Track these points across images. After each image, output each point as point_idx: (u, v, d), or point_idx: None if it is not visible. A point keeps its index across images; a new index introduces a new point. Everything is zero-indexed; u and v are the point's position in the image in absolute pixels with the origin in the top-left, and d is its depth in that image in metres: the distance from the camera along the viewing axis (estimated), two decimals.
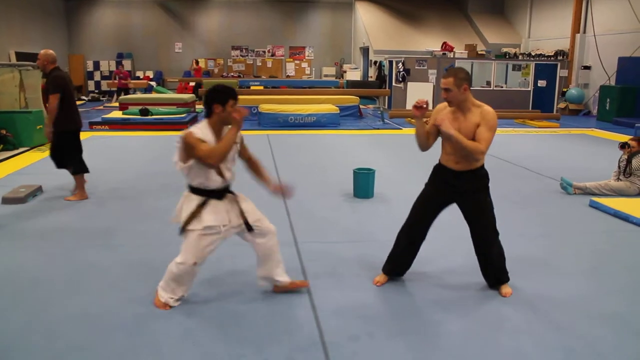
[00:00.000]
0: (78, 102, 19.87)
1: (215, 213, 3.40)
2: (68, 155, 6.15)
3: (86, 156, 6.37)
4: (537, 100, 16.52)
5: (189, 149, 3.27)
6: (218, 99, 3.32)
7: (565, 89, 17.01)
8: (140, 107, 12.72)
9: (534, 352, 3.04)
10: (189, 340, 3.13)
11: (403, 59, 16.74)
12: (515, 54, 19.89)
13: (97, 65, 23.05)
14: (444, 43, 19.49)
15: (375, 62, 20.82)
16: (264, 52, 24.54)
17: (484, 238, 3.75)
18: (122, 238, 4.90)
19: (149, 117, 12.50)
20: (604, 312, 3.55)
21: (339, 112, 13.78)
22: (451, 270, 4.23)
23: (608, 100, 14.94)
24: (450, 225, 4.66)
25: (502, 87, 17.09)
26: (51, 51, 6.08)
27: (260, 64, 24.51)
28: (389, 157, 9.17)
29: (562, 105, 16.88)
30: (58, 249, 4.59)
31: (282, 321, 3.37)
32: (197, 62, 21.96)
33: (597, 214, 5.81)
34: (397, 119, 14.58)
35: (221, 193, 3.47)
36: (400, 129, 13.23)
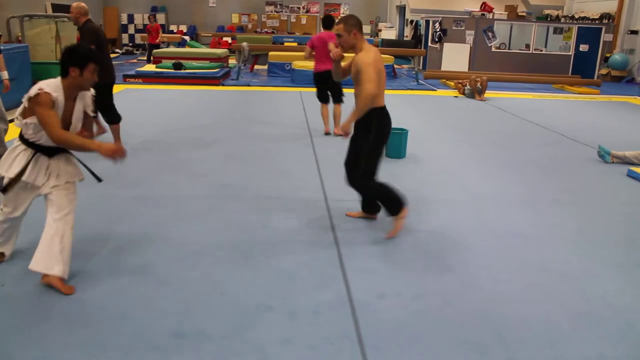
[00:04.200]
0: (112, 55, 19.99)
1: (36, 170, 3.13)
2: (103, 106, 6.22)
3: (120, 109, 6.43)
4: (577, 65, 15.97)
5: (40, 113, 2.94)
6: (76, 62, 3.01)
7: (608, 55, 16.39)
8: (173, 61, 12.75)
9: (562, 318, 3.02)
10: (217, 290, 3.20)
11: (440, 18, 16.31)
12: (557, 16, 19.17)
13: (131, 19, 23.09)
14: (484, 3, 18.87)
15: (412, 22, 20.34)
16: (299, 8, 24.19)
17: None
18: (153, 189, 4.98)
19: (182, 71, 12.53)
20: (635, 282, 3.50)
21: None
22: (479, 230, 4.20)
23: None
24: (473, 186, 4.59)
25: (541, 50, 16.56)
26: (83, 3, 6.06)
27: (294, 20, 24.21)
28: (421, 118, 9.04)
29: (604, 71, 16.31)
30: (91, 197, 4.70)
31: (310, 277, 3.40)
32: (154, 19, 17.29)
33: (634, 184, 5.66)
34: (431, 80, 14.31)
35: (52, 151, 3.16)
36: (435, 90, 13.00)
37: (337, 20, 4.06)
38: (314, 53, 7.13)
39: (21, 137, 3.14)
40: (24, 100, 3.01)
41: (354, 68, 3.86)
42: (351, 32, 3.80)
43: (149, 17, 17.77)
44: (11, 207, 3.27)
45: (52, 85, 3.01)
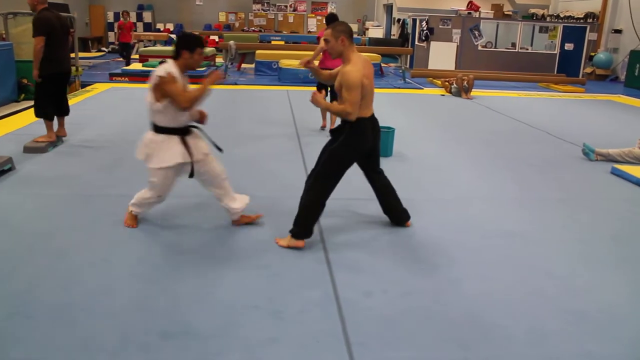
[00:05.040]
0: (98, 54, 19.79)
1: (172, 150, 3.70)
2: (48, 100, 6.12)
3: (106, 108, 6.39)
4: (563, 64, 16.11)
5: (167, 90, 3.51)
6: (187, 46, 3.61)
7: (593, 53, 16.54)
8: (160, 60, 12.65)
9: (548, 315, 3.05)
10: (204, 289, 3.19)
11: (427, 17, 16.37)
12: (543, 15, 19.31)
13: (117, 17, 22.80)
14: (470, 2, 18.94)
15: (399, 20, 20.40)
16: (286, 6, 24.16)
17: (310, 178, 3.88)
18: (141, 188, 4.94)
19: None
20: (620, 279, 3.54)
21: None
22: (465, 229, 4.22)
23: (637, 66, 14.52)
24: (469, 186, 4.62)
25: (527, 49, 16.67)
26: None
27: (281, 18, 24.17)
28: (409, 117, 9.07)
29: (588, 70, 16.46)
30: (78, 197, 4.66)
31: (296, 275, 3.40)
32: (127, 15, 15.86)
33: (618, 181, 5.72)
34: (418, 79, 14.36)
35: (184, 131, 3.77)
36: (422, 88, 13.05)
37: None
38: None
39: (157, 129, 3.72)
40: (150, 88, 3.60)
41: (338, 79, 3.65)
42: (339, 38, 3.61)
43: (121, 14, 16.02)
44: (163, 191, 3.87)
45: (169, 68, 3.58)
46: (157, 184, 3.81)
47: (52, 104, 6.19)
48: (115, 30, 16.73)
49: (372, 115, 3.81)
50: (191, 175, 3.82)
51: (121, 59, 14.38)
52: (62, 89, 6.33)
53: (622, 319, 3.05)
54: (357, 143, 3.76)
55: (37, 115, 6.20)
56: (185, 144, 3.73)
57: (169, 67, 3.60)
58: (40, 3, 5.90)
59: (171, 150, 3.69)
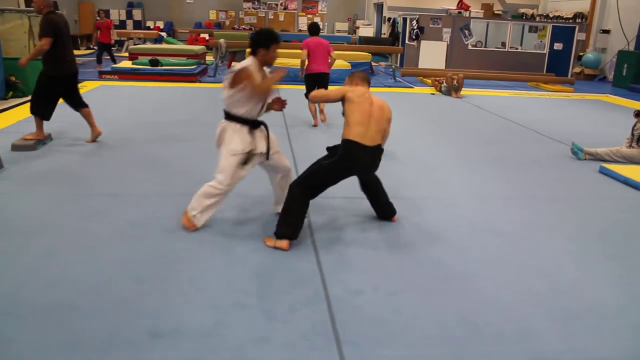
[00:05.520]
0: (87, 52, 19.59)
1: (246, 140, 3.81)
2: (49, 101, 6.14)
3: (95, 105, 6.37)
4: (552, 63, 16.20)
5: (243, 79, 3.67)
6: (263, 44, 3.78)
7: (581, 53, 16.66)
8: (150, 58, 12.61)
9: (537, 313, 3.07)
10: (193, 287, 3.18)
11: (417, 16, 16.40)
12: (532, 15, 19.43)
13: (107, 14, 22.70)
14: (460, 1, 19.03)
15: (389, 19, 20.43)
16: (277, 5, 24.11)
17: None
18: (130, 186, 4.93)
19: (159, 67, 12.40)
20: (608, 277, 3.57)
21: (350, 68, 13.59)
22: (455, 227, 4.24)
23: (625, 65, 14.64)
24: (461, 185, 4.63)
25: (517, 48, 16.75)
26: None
27: (272, 17, 24.12)
28: (399, 116, 9.02)
29: (577, 69, 16.57)
30: (66, 196, 4.63)
31: (286, 274, 3.40)
32: (104, 14, 14.86)
33: (606, 180, 5.77)
34: (408, 77, 14.39)
35: (256, 123, 3.89)
36: (412, 87, 13.09)
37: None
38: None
39: (229, 117, 3.85)
40: (226, 77, 3.79)
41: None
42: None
43: (98, 12, 14.95)
44: (232, 181, 3.86)
45: (246, 63, 3.79)
46: (228, 172, 3.82)
47: (53, 105, 6.20)
48: (93, 31, 15.84)
49: (375, 145, 3.85)
50: (267, 158, 3.96)
51: (109, 57, 14.12)
52: (74, 88, 6.37)
53: (610, 316, 3.08)
54: (348, 167, 3.85)
55: (34, 112, 6.19)
56: (253, 135, 3.86)
57: (247, 62, 3.81)
58: (46, 6, 5.95)
59: (243, 138, 3.81)
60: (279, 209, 4.00)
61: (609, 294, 3.35)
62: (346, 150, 3.79)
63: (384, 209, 4.30)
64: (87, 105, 6.40)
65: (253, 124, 3.88)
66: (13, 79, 9.29)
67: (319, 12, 24.26)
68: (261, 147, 3.89)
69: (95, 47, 15.34)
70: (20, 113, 8.00)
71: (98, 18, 14.41)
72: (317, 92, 4.28)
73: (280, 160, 4.10)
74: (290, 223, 3.74)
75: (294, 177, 4.15)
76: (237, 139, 3.80)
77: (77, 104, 6.37)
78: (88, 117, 6.39)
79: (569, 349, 2.75)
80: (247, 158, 3.83)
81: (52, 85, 6.08)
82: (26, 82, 9.45)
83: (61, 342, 2.62)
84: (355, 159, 3.81)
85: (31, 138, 6.11)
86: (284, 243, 3.72)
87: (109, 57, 14.26)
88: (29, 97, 9.03)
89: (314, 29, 8.13)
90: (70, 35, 6.35)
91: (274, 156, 4.01)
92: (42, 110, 6.18)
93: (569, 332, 2.90)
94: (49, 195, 4.65)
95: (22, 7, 15.87)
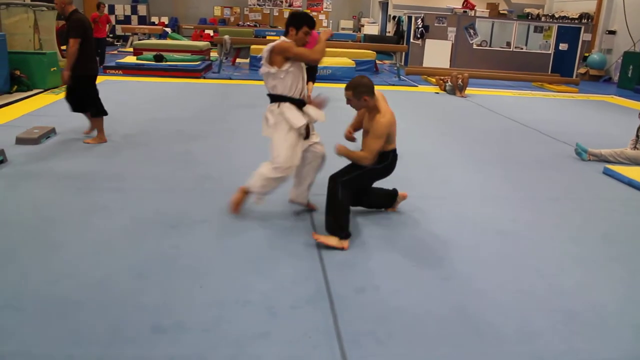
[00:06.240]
0: None
1: (301, 115, 3.92)
2: (87, 99, 6.15)
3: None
4: (557, 64, 16.17)
5: (287, 52, 3.73)
6: (294, 23, 3.84)
7: (587, 54, 16.60)
8: (154, 53, 12.61)
9: (538, 314, 3.07)
10: (197, 283, 3.19)
11: (422, 15, 16.37)
12: (538, 15, 19.38)
13: (112, 9, 22.79)
14: (465, 1, 18.99)
15: (394, 17, 20.40)
16: (281, 2, 24.09)
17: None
18: (134, 182, 4.94)
19: (163, 63, 12.41)
20: (610, 278, 3.57)
21: (354, 66, 13.60)
22: (455, 226, 4.24)
23: (631, 67, 14.59)
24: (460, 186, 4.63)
25: (522, 48, 16.71)
26: None
27: (277, 14, 24.12)
28: (403, 114, 9.03)
29: (582, 70, 16.52)
30: (70, 190, 4.64)
31: (288, 271, 3.41)
32: (104, 7, 13.79)
33: (610, 181, 5.76)
34: (413, 76, 14.37)
35: (301, 103, 3.97)
36: (416, 86, 13.06)
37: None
38: None
39: (276, 98, 3.92)
40: (265, 59, 3.82)
41: (367, 125, 3.91)
42: (361, 97, 3.79)
43: (98, 5, 13.66)
44: (292, 160, 3.95)
45: (282, 39, 3.84)
46: (288, 152, 3.90)
47: (99, 100, 6.24)
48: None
49: (395, 149, 4.07)
50: (306, 137, 4.02)
51: (115, 52, 13.98)
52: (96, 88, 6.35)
53: (611, 317, 3.08)
54: (384, 170, 4.06)
55: (96, 115, 6.23)
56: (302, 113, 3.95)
57: (282, 39, 3.84)
58: (68, 4, 5.91)
59: (296, 114, 3.90)
60: (301, 198, 4.26)
61: (611, 295, 3.34)
62: (394, 158, 4.05)
63: (384, 203, 4.44)
64: (105, 115, 6.33)
65: (299, 103, 3.96)
66: (18, 72, 9.32)
67: (324, 9, 24.24)
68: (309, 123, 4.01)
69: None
70: (25, 107, 8.03)
71: (97, 11, 13.52)
72: (358, 157, 3.88)
73: (317, 147, 4.14)
74: (348, 221, 3.82)
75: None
76: (295, 114, 3.89)
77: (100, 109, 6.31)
78: (99, 125, 6.30)
79: (569, 349, 2.75)
80: (307, 132, 3.98)
81: (88, 82, 6.09)
82: (31, 76, 9.48)
83: (63, 336, 2.63)
84: (392, 162, 4.08)
85: (93, 142, 6.15)
86: (345, 244, 3.77)
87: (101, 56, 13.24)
88: (33, 92, 9.12)
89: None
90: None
91: (313, 138, 4.09)
92: (100, 110, 6.22)
93: (570, 333, 2.90)
94: (52, 189, 4.66)
95: (28, 1, 15.91)
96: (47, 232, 3.81)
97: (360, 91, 3.77)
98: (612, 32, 16.51)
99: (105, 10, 14.11)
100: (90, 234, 3.79)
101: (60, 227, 3.89)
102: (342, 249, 3.72)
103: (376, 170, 4.00)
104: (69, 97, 6.19)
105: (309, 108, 4.02)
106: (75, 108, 6.24)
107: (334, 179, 3.86)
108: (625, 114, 10.30)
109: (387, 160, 4.01)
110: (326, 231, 3.82)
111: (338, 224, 3.77)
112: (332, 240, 3.74)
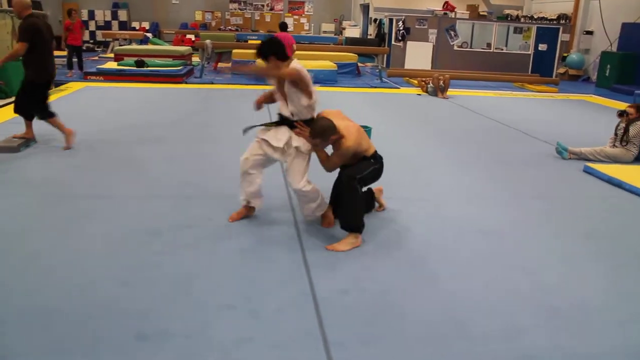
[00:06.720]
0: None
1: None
2: (34, 105, 6.11)
3: (81, 106, 6.31)
4: (536, 64, 16.34)
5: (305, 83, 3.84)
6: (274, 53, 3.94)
7: (565, 54, 16.82)
8: (135, 59, 12.52)
9: (523, 312, 3.09)
10: (178, 289, 3.16)
11: (403, 17, 16.47)
12: (517, 16, 19.59)
13: (92, 15, 22.62)
14: (446, 2, 19.14)
15: (375, 20, 20.49)
16: (263, 6, 24.08)
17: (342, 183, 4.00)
18: (115, 189, 4.88)
19: (145, 68, 12.32)
20: (593, 274, 3.60)
21: (336, 69, 13.62)
22: (441, 231, 4.26)
23: (608, 66, 14.80)
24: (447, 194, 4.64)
25: (502, 49, 16.88)
26: None
27: (258, 17, 24.09)
28: (385, 116, 9.11)
29: (561, 70, 16.73)
30: (50, 198, 4.58)
31: (273, 275, 3.39)
32: (76, 13, 13.11)
33: (590, 179, 5.83)
34: (395, 78, 14.43)
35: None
36: (398, 88, 13.12)
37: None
38: None
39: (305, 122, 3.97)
40: (303, 86, 3.88)
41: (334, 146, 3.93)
42: (327, 140, 3.84)
43: (68, 11, 12.93)
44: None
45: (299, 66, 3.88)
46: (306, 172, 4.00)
47: (36, 107, 6.16)
48: (62, 32, 13.72)
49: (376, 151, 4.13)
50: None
51: (96, 58, 13.85)
52: (46, 96, 6.30)
53: (595, 313, 3.11)
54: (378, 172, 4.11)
55: (22, 114, 6.18)
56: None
57: (298, 65, 3.88)
58: (25, 9, 5.85)
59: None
60: (253, 203, 4.21)
61: (594, 291, 3.37)
62: (380, 158, 4.14)
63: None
64: (55, 115, 6.27)
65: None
66: None
67: (305, 13, 24.27)
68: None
69: (66, 51, 13.28)
70: (3, 115, 7.91)
71: (69, 18, 12.79)
72: (332, 165, 4.00)
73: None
74: (361, 216, 3.88)
75: None
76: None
77: (46, 112, 6.23)
78: (55, 124, 6.23)
79: (554, 346, 2.77)
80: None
81: (34, 90, 6.05)
82: (9, 83, 9.33)
83: (45, 346, 2.59)
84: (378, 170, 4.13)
85: (21, 136, 6.13)
86: (360, 237, 3.85)
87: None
88: (12, 99, 8.97)
89: (283, 26, 12.18)
90: (54, 37, 6.29)
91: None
92: (27, 114, 6.17)
93: (554, 330, 2.92)
94: (33, 197, 4.59)
95: (5, 7, 15.69)
96: (27, 240, 3.74)
97: (327, 135, 3.81)
98: (590, 33, 16.74)
99: (78, 16, 13.51)
100: (71, 242, 3.74)
101: (41, 235, 3.83)
102: (357, 246, 3.81)
103: (378, 169, 4.09)
104: (21, 107, 6.15)
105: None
106: (18, 110, 6.18)
107: (352, 177, 3.85)
108: (604, 113, 10.43)
109: (378, 160, 4.10)
110: (345, 229, 3.89)
111: (360, 219, 3.86)
112: (348, 244, 3.80)
